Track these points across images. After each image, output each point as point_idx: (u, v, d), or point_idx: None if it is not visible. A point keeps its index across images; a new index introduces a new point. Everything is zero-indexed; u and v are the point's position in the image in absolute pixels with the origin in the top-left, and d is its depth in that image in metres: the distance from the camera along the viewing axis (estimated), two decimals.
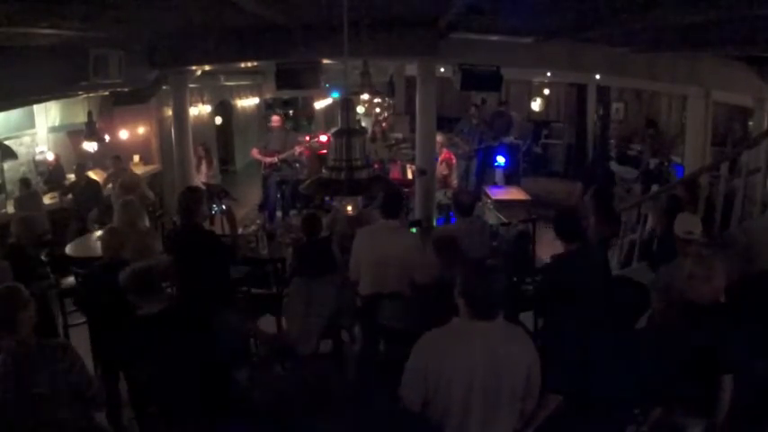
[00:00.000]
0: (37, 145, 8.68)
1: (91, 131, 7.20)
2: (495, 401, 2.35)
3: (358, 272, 4.20)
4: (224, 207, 7.93)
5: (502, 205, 7.75)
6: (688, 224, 3.66)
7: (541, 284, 3.99)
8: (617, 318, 3.46)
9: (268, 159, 8.58)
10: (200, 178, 8.69)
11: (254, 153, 8.84)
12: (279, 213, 8.74)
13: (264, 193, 8.84)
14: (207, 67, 7.76)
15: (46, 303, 4.46)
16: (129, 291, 3.16)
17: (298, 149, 9.01)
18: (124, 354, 3.32)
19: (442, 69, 8.73)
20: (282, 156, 8.65)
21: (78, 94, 7.77)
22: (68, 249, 6.03)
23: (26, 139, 8.50)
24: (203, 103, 12.05)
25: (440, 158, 7.86)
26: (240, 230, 7.64)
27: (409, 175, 8.67)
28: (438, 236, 4.16)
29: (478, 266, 2.50)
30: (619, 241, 6.19)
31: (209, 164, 9.38)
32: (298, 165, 9.20)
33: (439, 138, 7.95)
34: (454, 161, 8.36)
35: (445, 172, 7.94)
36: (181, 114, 7.43)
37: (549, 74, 11.49)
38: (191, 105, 8.27)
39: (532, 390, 2.46)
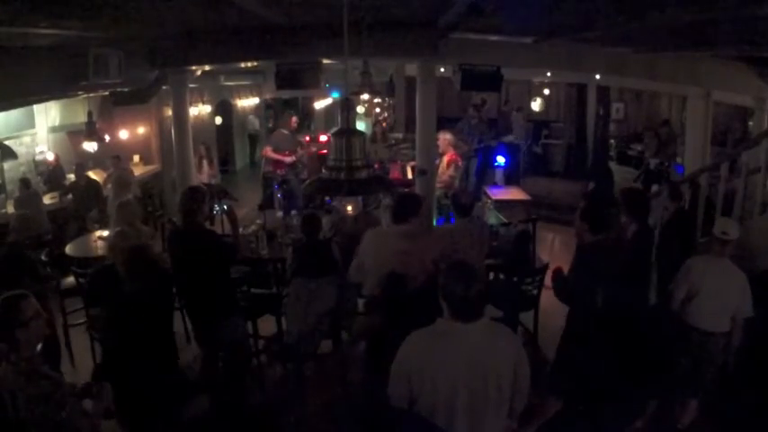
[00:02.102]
0: (37, 145, 8.69)
1: (91, 131, 7.19)
2: (481, 401, 2.36)
3: (361, 274, 4.08)
4: (225, 207, 7.93)
5: (502, 205, 7.74)
6: (724, 225, 3.90)
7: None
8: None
9: (288, 159, 8.60)
10: (201, 178, 8.69)
11: (269, 152, 8.77)
12: (280, 213, 8.74)
13: (273, 193, 8.84)
14: (207, 67, 7.75)
15: (46, 305, 4.46)
16: None
17: (300, 150, 9.07)
18: None
19: (442, 69, 8.72)
20: (298, 155, 8.71)
21: (78, 94, 7.77)
22: (68, 249, 6.03)
23: (26, 139, 8.51)
24: (203, 103, 12.05)
25: (446, 159, 7.79)
26: (240, 230, 7.62)
27: (409, 175, 8.66)
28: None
29: (458, 268, 2.47)
30: None
31: (210, 163, 9.40)
32: (299, 165, 9.21)
33: (448, 136, 7.88)
34: (460, 162, 8.30)
35: (453, 173, 7.82)
36: (181, 114, 7.42)
37: (549, 74, 11.49)
38: (191, 105, 8.27)
39: (521, 388, 2.47)
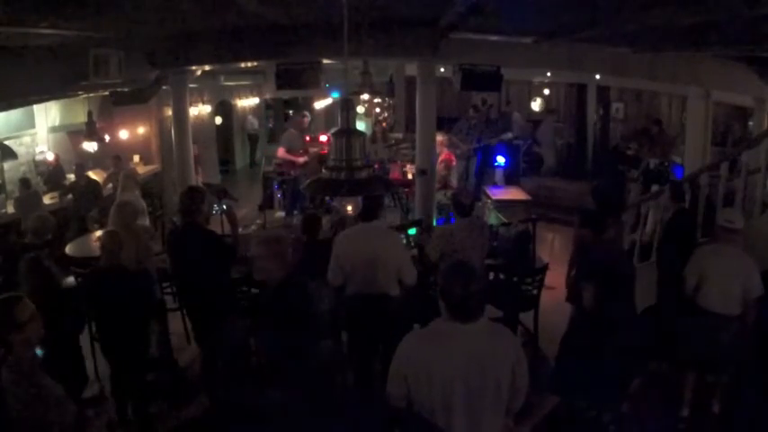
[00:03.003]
0: (37, 145, 8.69)
1: (91, 131, 7.20)
2: (479, 401, 2.36)
3: (341, 275, 4.15)
4: (225, 207, 7.94)
5: (502, 205, 7.74)
6: (729, 214, 4.19)
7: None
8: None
9: (301, 159, 8.62)
10: (199, 179, 8.71)
11: (282, 153, 8.76)
12: (281, 213, 8.76)
13: (273, 193, 8.86)
14: (207, 67, 7.75)
15: None
16: None
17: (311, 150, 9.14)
18: None
19: (442, 69, 8.72)
20: (310, 155, 8.73)
21: (78, 94, 7.77)
22: (68, 249, 6.03)
23: (26, 139, 8.51)
24: (203, 103, 12.05)
25: (439, 158, 7.84)
26: (240, 230, 7.62)
27: (409, 176, 8.66)
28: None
29: (457, 268, 2.45)
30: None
31: (197, 165, 9.40)
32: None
33: (440, 137, 7.93)
34: (454, 162, 8.33)
35: (444, 173, 7.89)
36: (181, 114, 7.42)
37: (549, 74, 11.49)
38: (191, 105, 8.27)
39: (519, 388, 2.47)
